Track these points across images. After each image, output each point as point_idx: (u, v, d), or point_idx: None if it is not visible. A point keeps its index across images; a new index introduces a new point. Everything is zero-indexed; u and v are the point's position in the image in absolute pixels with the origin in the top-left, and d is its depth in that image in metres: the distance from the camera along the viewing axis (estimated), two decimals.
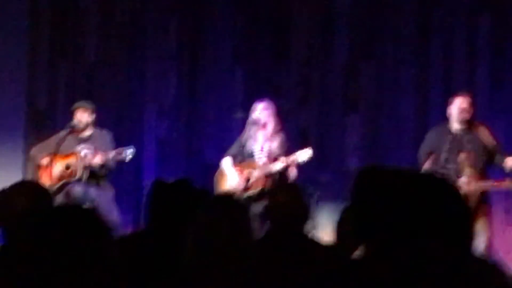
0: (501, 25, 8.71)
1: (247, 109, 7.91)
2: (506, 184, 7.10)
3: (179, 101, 9.22)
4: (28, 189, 3.59)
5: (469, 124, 7.28)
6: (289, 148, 7.69)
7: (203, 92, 9.20)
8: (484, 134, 7.27)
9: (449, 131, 7.25)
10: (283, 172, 7.50)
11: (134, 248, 3.36)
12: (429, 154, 7.39)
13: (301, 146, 7.94)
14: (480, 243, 6.99)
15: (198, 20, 9.28)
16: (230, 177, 7.65)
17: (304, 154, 7.40)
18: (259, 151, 7.64)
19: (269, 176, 7.52)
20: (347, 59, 9.03)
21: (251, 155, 7.62)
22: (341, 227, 4.03)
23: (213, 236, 2.75)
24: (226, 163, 7.75)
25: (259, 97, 7.95)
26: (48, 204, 3.48)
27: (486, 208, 7.20)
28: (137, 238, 3.57)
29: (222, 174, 7.80)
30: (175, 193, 3.53)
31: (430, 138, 7.46)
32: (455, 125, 7.29)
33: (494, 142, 7.26)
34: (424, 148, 7.47)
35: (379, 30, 8.96)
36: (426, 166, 7.33)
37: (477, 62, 8.72)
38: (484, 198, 7.19)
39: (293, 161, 7.45)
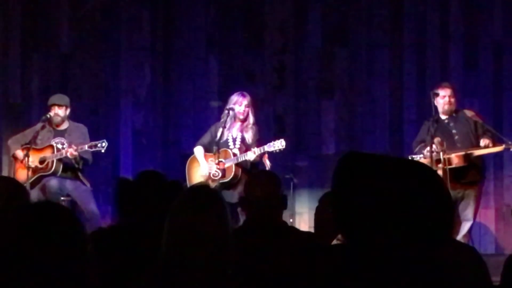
0: (473, 9, 8.75)
1: (222, 97, 7.92)
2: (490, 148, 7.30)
3: (154, 91, 9.19)
4: (4, 185, 3.58)
5: (455, 110, 7.50)
6: (262, 138, 7.74)
7: (178, 82, 9.18)
8: (470, 115, 7.48)
9: (436, 121, 7.37)
10: (255, 162, 7.53)
11: (106, 244, 3.35)
12: (420, 143, 7.54)
13: (277, 133, 7.97)
14: (464, 228, 7.24)
15: (170, 10, 9.24)
16: (203, 166, 7.68)
17: (276, 144, 7.43)
18: (232, 140, 7.67)
19: (240, 165, 7.55)
20: (321, 45, 9.03)
21: (223, 145, 7.63)
22: (320, 214, 4.03)
23: (189, 227, 2.75)
24: (198, 151, 7.78)
25: (234, 85, 7.96)
26: (24, 200, 3.47)
27: (476, 193, 7.40)
28: (108, 234, 3.54)
29: (193, 162, 7.82)
30: (138, 189, 3.51)
31: (422, 128, 7.64)
32: (442, 115, 7.51)
33: (480, 121, 7.45)
34: (417, 138, 7.70)
35: (352, 15, 8.97)
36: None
37: (450, 45, 8.77)
38: (476, 181, 7.37)
39: (265, 151, 7.48)
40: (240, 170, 7.55)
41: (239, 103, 7.64)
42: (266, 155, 7.57)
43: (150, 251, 2.82)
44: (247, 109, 7.65)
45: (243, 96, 7.68)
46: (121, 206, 3.56)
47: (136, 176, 3.67)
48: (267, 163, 7.59)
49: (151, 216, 3.37)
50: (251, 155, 7.45)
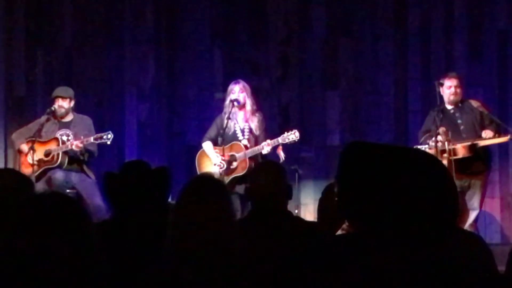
0: None
1: (226, 89, 7.91)
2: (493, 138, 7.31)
3: (159, 83, 9.19)
4: (10, 177, 3.58)
5: (460, 101, 7.51)
6: (268, 127, 7.72)
7: (182, 74, 9.18)
8: (476, 105, 7.48)
9: (441, 111, 7.38)
10: (268, 154, 7.48)
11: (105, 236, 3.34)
12: (426, 133, 7.55)
13: (282, 124, 7.95)
14: (470, 217, 7.29)
15: (174, 1, 9.24)
16: (214, 161, 7.63)
17: (291, 136, 7.41)
18: (240, 131, 7.65)
19: (252, 158, 7.52)
20: (326, 36, 9.02)
21: (232, 137, 7.61)
22: (325, 204, 4.04)
23: (193, 217, 2.75)
24: (207, 146, 7.72)
25: (238, 77, 7.95)
26: (30, 193, 3.46)
27: (482, 182, 7.42)
28: (101, 228, 3.54)
29: (202, 157, 7.78)
30: (124, 180, 3.51)
31: (428, 118, 7.65)
32: (448, 105, 7.52)
33: (486, 112, 7.47)
34: (422, 128, 7.70)
35: (357, 6, 8.96)
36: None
37: (454, 35, 8.75)
38: (482, 171, 7.38)
39: (279, 143, 7.45)
40: (253, 163, 7.48)
41: (233, 91, 7.64)
42: (281, 147, 7.54)
43: (144, 241, 2.82)
44: (242, 94, 7.62)
45: (236, 82, 7.69)
46: (111, 200, 3.57)
47: (120, 168, 3.68)
48: (282, 155, 7.54)
49: (141, 206, 3.38)
50: (266, 149, 7.40)
